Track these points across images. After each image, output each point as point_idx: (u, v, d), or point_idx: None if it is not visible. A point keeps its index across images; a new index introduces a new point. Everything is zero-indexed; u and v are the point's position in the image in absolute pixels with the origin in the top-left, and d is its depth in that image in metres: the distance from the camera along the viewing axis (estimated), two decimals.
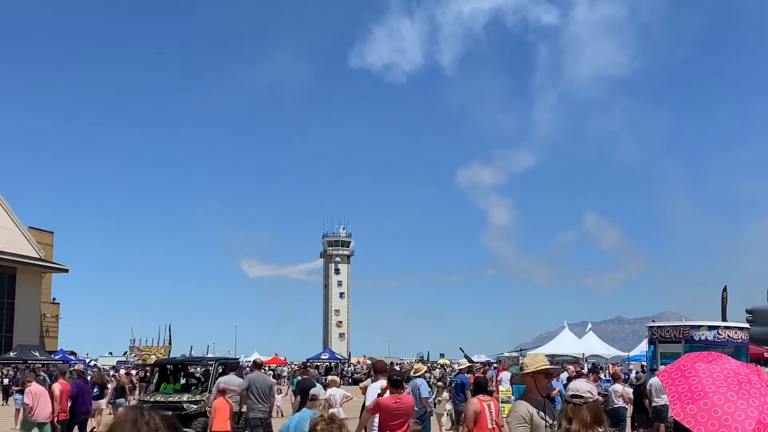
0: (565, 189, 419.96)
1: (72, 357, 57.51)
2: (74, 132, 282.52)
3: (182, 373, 22.08)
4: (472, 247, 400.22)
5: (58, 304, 70.61)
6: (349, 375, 60.73)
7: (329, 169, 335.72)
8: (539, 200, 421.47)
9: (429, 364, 61.25)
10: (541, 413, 6.30)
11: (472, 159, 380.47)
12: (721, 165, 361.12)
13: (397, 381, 9.53)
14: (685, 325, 20.76)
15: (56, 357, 55.17)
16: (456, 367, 24.32)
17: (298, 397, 16.90)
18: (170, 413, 10.72)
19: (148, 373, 29.82)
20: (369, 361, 74.73)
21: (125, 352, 66.21)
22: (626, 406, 20.37)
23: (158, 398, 18.73)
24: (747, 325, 21.72)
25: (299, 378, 22.12)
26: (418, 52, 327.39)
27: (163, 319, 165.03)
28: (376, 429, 9.55)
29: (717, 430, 3.97)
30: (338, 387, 17.78)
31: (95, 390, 21.39)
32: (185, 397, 18.82)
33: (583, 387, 5.28)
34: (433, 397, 21.12)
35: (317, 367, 52.37)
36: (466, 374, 22.17)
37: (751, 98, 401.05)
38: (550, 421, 6.22)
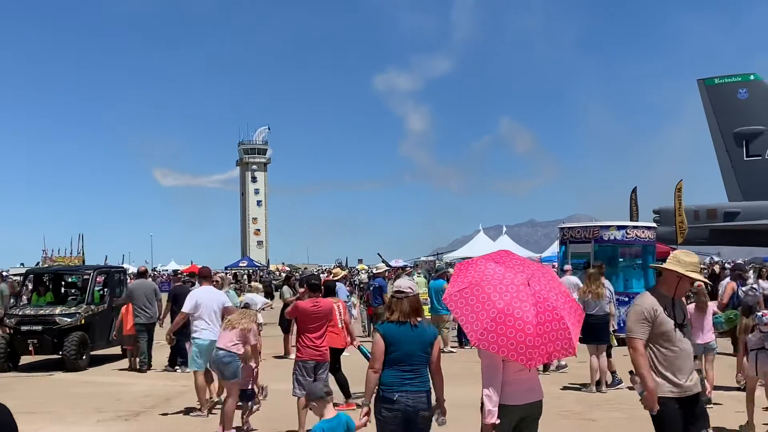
0: (481, 94, 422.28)
1: None
2: None
3: (61, 284, 20.24)
4: (389, 154, 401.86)
5: None
6: (268, 282, 60.87)
7: (243, 75, 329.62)
8: (455, 106, 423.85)
9: (347, 269, 61.94)
10: (668, 311, 5.81)
11: (389, 64, 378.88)
12: (633, 68, 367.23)
13: (315, 285, 9.65)
14: (595, 226, 21.25)
15: None
16: (374, 271, 24.66)
17: (170, 304, 16.77)
18: (35, 339, 13.83)
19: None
20: (288, 269, 75.19)
21: (37, 263, 64.97)
22: None
23: (28, 311, 17.40)
24: (654, 225, 22.38)
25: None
26: None
27: (77, 229, 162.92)
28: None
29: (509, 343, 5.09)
30: (260, 294, 17.87)
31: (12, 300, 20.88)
32: (58, 310, 17.29)
33: (405, 284, 6.06)
34: (350, 302, 21.45)
35: (235, 275, 52.26)
36: (383, 278, 22.52)
37: (667, 1, 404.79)
38: (679, 321, 5.83)
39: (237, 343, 9.82)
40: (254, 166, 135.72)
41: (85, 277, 19.24)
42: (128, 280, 21.10)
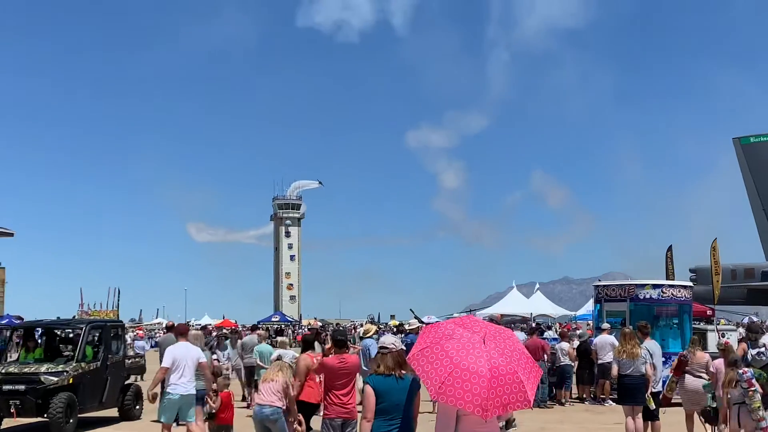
0: (515, 149, 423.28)
1: (18, 322, 56.50)
2: (15, 93, 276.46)
3: (54, 339, 17.81)
4: (422, 209, 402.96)
5: (4, 268, 69.16)
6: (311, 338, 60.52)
7: (278, 132, 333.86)
8: (489, 161, 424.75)
9: (379, 325, 61.53)
10: None
11: (423, 121, 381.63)
12: (668, 123, 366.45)
13: (341, 341, 9.42)
14: (630, 284, 20.95)
15: (2, 322, 54.17)
16: (406, 327, 24.38)
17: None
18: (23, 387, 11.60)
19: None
20: (319, 323, 74.79)
21: (74, 316, 65.49)
22: (572, 364, 20.64)
23: (12, 369, 15.71)
24: (691, 284, 21.96)
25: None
26: (368, 10, 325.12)
27: (113, 282, 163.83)
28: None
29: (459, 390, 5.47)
30: (288, 348, 17.66)
31: None
32: (44, 368, 15.56)
33: (389, 340, 6.67)
34: None
35: (267, 329, 52.06)
36: (415, 335, 22.21)
37: (702, 57, 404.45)
38: None
39: (280, 398, 9.64)
40: (288, 221, 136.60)
41: (77, 332, 17.04)
42: (133, 335, 20.53)
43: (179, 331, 12.60)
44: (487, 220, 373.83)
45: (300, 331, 67.64)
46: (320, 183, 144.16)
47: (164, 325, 29.71)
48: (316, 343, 20.44)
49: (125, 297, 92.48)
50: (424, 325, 32.24)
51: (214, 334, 27.57)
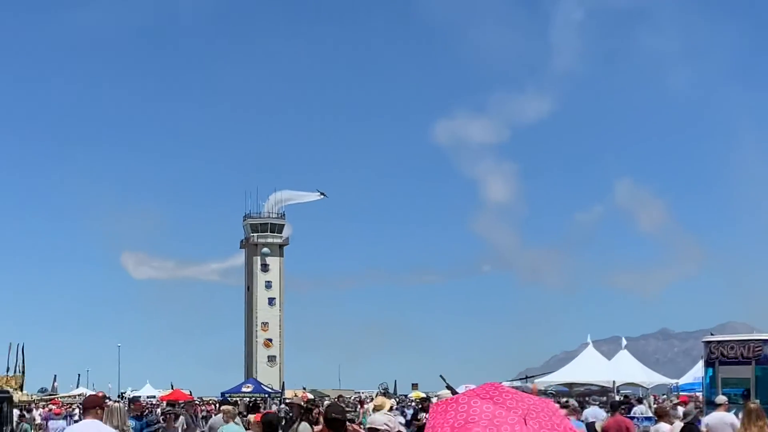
0: (590, 147, 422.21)
1: None
2: None
3: None
4: (457, 233, 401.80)
5: None
6: (284, 416, 60.37)
7: (251, 124, 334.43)
8: (553, 164, 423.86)
9: (396, 398, 61.29)
10: None
11: (458, 106, 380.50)
12: None
13: (337, 421, 9.20)
14: (756, 340, 20.87)
15: None
16: (434, 401, 24.18)
17: None
18: None
19: None
20: (310, 396, 74.49)
21: None
22: None
23: None
24: None
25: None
26: None
27: (15, 337, 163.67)
28: None
29: None
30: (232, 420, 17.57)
31: None
32: None
33: (380, 420, 7.36)
34: None
35: (236, 403, 51.87)
36: None
37: None
38: None
39: None
40: (265, 249, 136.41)
41: None
42: (43, 413, 20.19)
43: (87, 405, 12.45)
44: (550, 248, 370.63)
45: (282, 407, 66.91)
46: (322, 194, 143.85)
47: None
48: (305, 425, 20.39)
49: (33, 357, 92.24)
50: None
51: (159, 410, 27.63)
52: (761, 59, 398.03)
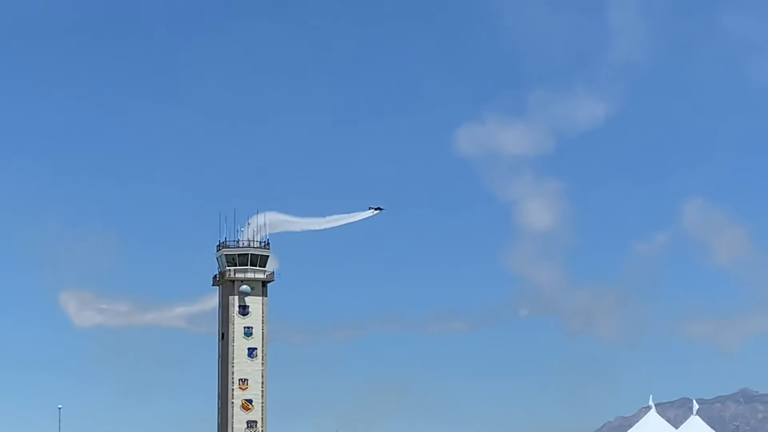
0: (653, 160, 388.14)
1: None
2: None
3: None
4: (487, 270, 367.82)
5: None
6: None
7: (227, 127, 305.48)
8: (608, 182, 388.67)
9: None
10: None
11: (487, 108, 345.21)
12: None
13: None
14: None
15: None
16: None
17: None
18: None
19: None
20: None
21: None
22: None
23: None
24: None
25: None
26: None
27: None
28: None
29: None
30: None
31: None
32: None
33: None
34: None
35: None
36: None
37: None
38: None
39: None
40: (245, 287, 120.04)
41: None
42: None
43: None
44: (604, 287, 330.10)
45: None
46: (378, 209, 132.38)
47: None
48: None
49: None
50: None
51: None
52: None
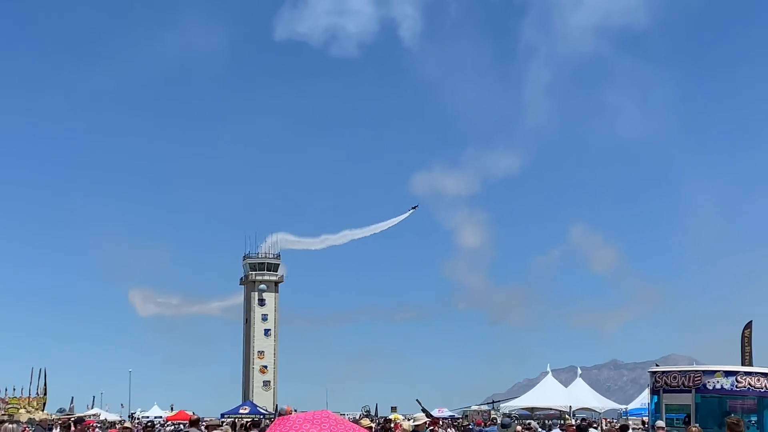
0: (553, 196, 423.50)
1: None
2: None
3: None
4: (434, 276, 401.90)
5: None
6: None
7: (250, 173, 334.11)
8: (521, 213, 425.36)
9: (377, 420, 61.04)
10: None
11: (436, 159, 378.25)
12: (750, 165, 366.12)
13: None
14: (696, 371, 20.89)
15: None
16: (411, 423, 24.17)
17: None
18: None
19: None
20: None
21: None
22: None
23: None
24: None
25: None
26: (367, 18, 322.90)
27: (38, 363, 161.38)
28: None
29: None
30: None
31: None
32: None
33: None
34: None
35: (234, 423, 51.71)
36: None
37: None
38: None
39: None
40: (262, 286, 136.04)
41: None
42: None
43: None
44: (516, 288, 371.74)
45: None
46: (414, 207, 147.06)
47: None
48: None
49: (54, 381, 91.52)
50: (429, 420, 32.11)
51: (168, 427, 27.30)
52: (705, 116, 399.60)
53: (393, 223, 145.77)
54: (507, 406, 56.83)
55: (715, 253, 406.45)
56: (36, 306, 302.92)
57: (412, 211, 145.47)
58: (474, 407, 76.47)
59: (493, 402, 66.05)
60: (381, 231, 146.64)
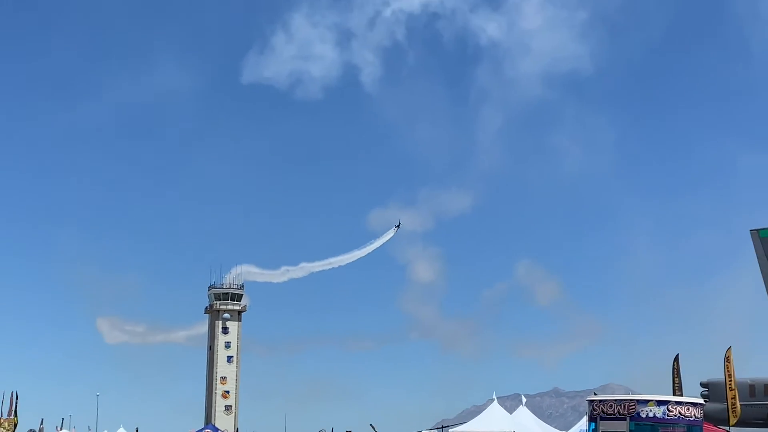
0: (502, 233, 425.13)
1: None
2: None
3: None
4: (388, 307, 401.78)
5: None
6: None
7: (217, 209, 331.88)
8: (470, 249, 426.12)
9: None
10: None
11: (393, 197, 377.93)
12: (680, 208, 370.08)
13: None
14: (631, 400, 21.14)
15: None
16: None
17: None
18: None
19: None
20: None
21: None
22: None
23: None
24: (702, 401, 22.18)
25: None
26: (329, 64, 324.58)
27: (9, 386, 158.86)
28: None
29: None
30: None
31: None
32: None
33: None
34: None
35: None
36: None
37: (721, 134, 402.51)
38: None
39: None
40: (226, 315, 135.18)
41: None
42: None
43: None
44: (465, 320, 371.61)
45: None
46: (397, 226, 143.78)
47: None
48: None
49: (25, 403, 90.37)
50: None
51: None
52: (642, 159, 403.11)
53: (379, 244, 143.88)
54: (455, 431, 56.81)
55: (649, 289, 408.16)
56: (8, 331, 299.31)
57: (395, 230, 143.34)
58: (424, 431, 76.25)
59: (442, 427, 66.17)
60: (367, 254, 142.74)
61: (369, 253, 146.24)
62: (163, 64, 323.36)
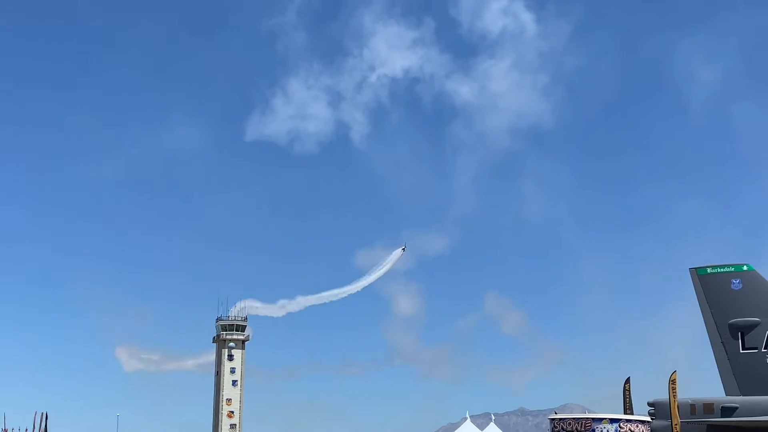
0: (473, 271, 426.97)
1: None
2: None
3: None
4: (375, 337, 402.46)
5: None
6: None
7: (224, 249, 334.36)
8: (447, 283, 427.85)
9: None
10: None
11: (378, 239, 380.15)
12: (628, 248, 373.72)
13: None
14: (587, 418, 23.32)
15: None
16: None
17: None
18: None
19: None
20: None
21: None
22: None
23: None
24: (649, 419, 23.91)
25: None
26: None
27: (40, 407, 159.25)
28: None
29: None
30: None
31: None
32: None
33: None
34: None
35: None
36: None
37: (663, 180, 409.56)
38: None
39: None
40: (231, 344, 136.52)
41: None
42: None
43: None
44: (441, 348, 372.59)
45: None
46: (403, 249, 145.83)
47: None
48: None
49: (54, 423, 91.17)
50: None
51: None
52: (595, 203, 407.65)
53: (387, 268, 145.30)
54: None
55: (603, 319, 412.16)
56: (39, 361, 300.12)
57: (402, 251, 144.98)
58: None
59: None
60: (377, 278, 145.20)
61: (355, 293, 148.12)
62: (176, 124, 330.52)
